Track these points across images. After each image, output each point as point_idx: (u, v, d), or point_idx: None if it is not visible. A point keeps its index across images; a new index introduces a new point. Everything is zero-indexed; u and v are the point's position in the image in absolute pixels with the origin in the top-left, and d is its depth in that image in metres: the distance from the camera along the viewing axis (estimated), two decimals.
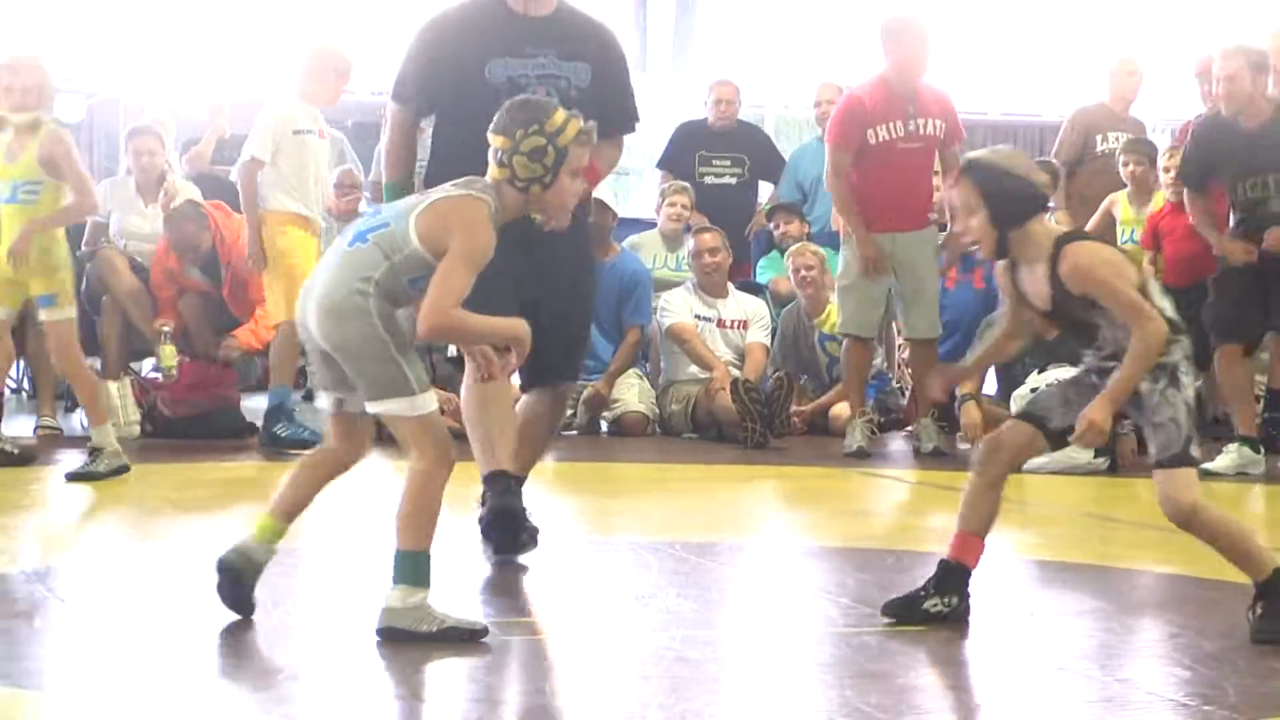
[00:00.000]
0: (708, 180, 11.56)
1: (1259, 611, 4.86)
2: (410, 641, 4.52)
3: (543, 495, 8.26)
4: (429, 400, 4.61)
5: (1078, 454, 8.61)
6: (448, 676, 4.40)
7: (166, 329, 9.61)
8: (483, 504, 6.01)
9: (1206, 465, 8.54)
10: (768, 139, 12.40)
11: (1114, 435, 8.79)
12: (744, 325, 10.34)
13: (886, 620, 4.91)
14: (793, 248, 10.53)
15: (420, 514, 4.62)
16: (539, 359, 5.40)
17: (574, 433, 10.05)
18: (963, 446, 9.41)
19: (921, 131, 9.20)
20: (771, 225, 11.42)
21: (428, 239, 4.60)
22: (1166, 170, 9.86)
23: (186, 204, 9.97)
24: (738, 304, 10.40)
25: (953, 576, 4.97)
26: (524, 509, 5.95)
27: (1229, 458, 8.66)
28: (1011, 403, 8.89)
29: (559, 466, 8.94)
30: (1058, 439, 4.96)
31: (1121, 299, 4.75)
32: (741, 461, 9.06)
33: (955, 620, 4.93)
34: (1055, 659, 4.71)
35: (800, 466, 8.94)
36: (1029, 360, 9.00)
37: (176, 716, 4.01)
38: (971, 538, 5.00)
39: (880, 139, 9.14)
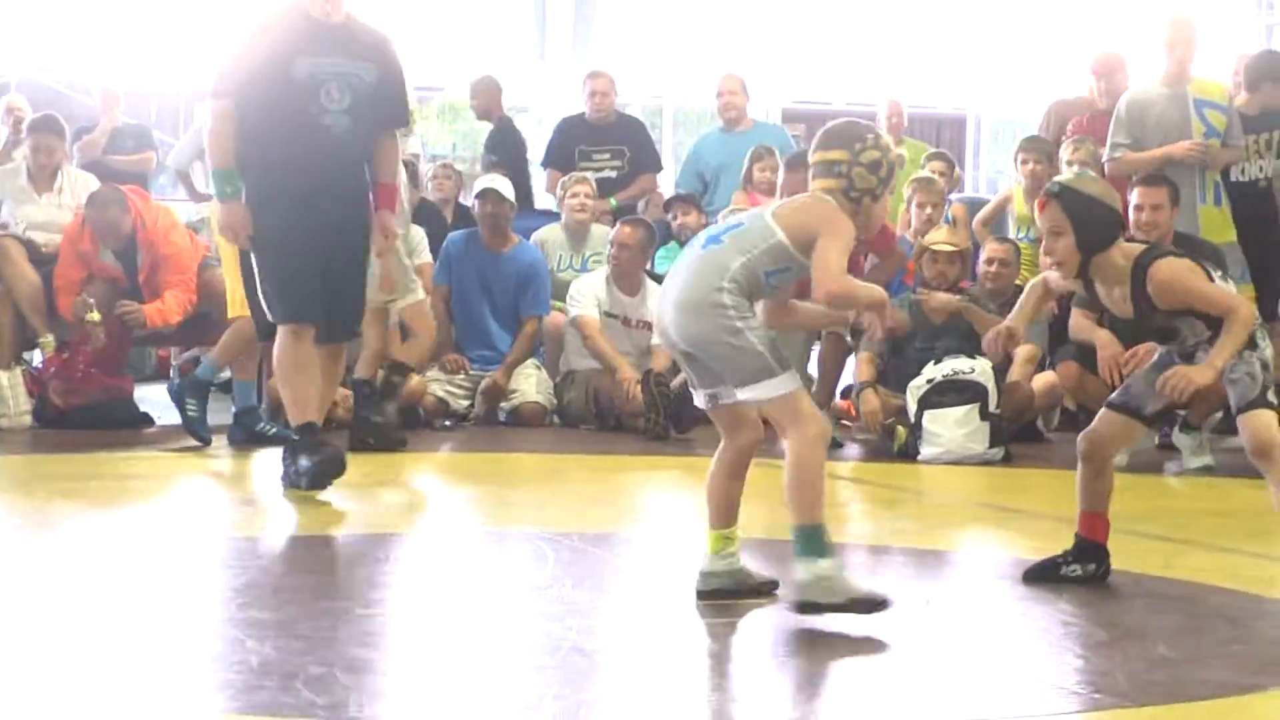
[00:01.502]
0: (587, 173, 11.50)
1: None
2: (825, 612, 4.74)
3: (439, 486, 8.26)
4: (793, 378, 4.82)
5: (974, 444, 8.68)
6: (340, 666, 4.37)
7: (90, 300, 9.44)
8: (293, 451, 7.12)
9: None
10: (646, 130, 12.35)
11: (1005, 425, 8.87)
12: (649, 326, 10.24)
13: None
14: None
15: (807, 487, 4.81)
16: (331, 318, 7.11)
17: (471, 423, 10.02)
18: (861, 436, 9.46)
19: None
20: (670, 216, 11.42)
21: (794, 232, 4.88)
22: (1070, 164, 9.96)
23: (109, 188, 9.83)
24: (647, 304, 10.26)
25: (1089, 550, 5.47)
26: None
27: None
28: (908, 393, 8.94)
29: (455, 457, 8.93)
30: (1152, 422, 5.68)
31: (1210, 299, 5.22)
32: (642, 452, 9.06)
33: (1096, 581, 5.44)
34: (948, 647, 4.73)
35: (701, 458, 8.93)
36: (920, 349, 9.06)
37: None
38: (1095, 516, 5.47)
39: None
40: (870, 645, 4.67)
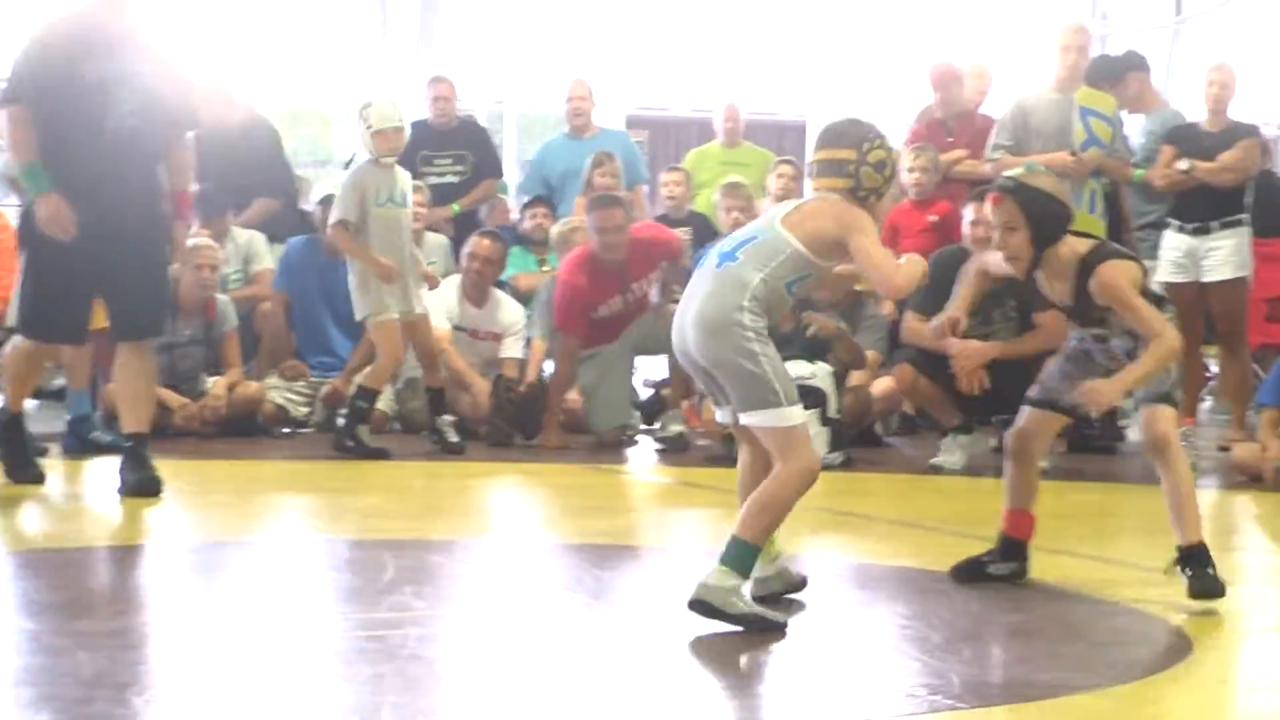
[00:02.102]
0: (431, 179, 11.43)
1: (1189, 573, 5.31)
2: (716, 618, 4.77)
3: (278, 494, 8.18)
4: (797, 412, 4.85)
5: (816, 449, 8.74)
6: (175, 678, 4.32)
7: None
8: (125, 460, 7.37)
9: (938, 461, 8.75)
10: (488, 136, 12.31)
11: (845, 429, 8.94)
12: (495, 338, 10.21)
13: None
14: (571, 223, 10.54)
15: (769, 512, 4.85)
16: (121, 314, 7.37)
17: (311, 430, 9.94)
18: (702, 443, 9.48)
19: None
20: (522, 219, 11.39)
21: (810, 239, 4.93)
22: (910, 170, 10.08)
23: None
24: (494, 316, 10.24)
25: (1012, 547, 5.62)
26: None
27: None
28: None
29: (295, 465, 8.86)
30: (1072, 412, 5.59)
31: (1140, 316, 5.28)
32: (486, 459, 9.03)
33: (1016, 579, 5.59)
34: (786, 651, 4.76)
35: (547, 465, 8.94)
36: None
37: None
38: (1022, 513, 5.62)
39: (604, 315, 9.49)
40: (710, 648, 4.68)
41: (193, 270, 9.49)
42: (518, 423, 9.50)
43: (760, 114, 17.14)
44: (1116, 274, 5.29)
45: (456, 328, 10.09)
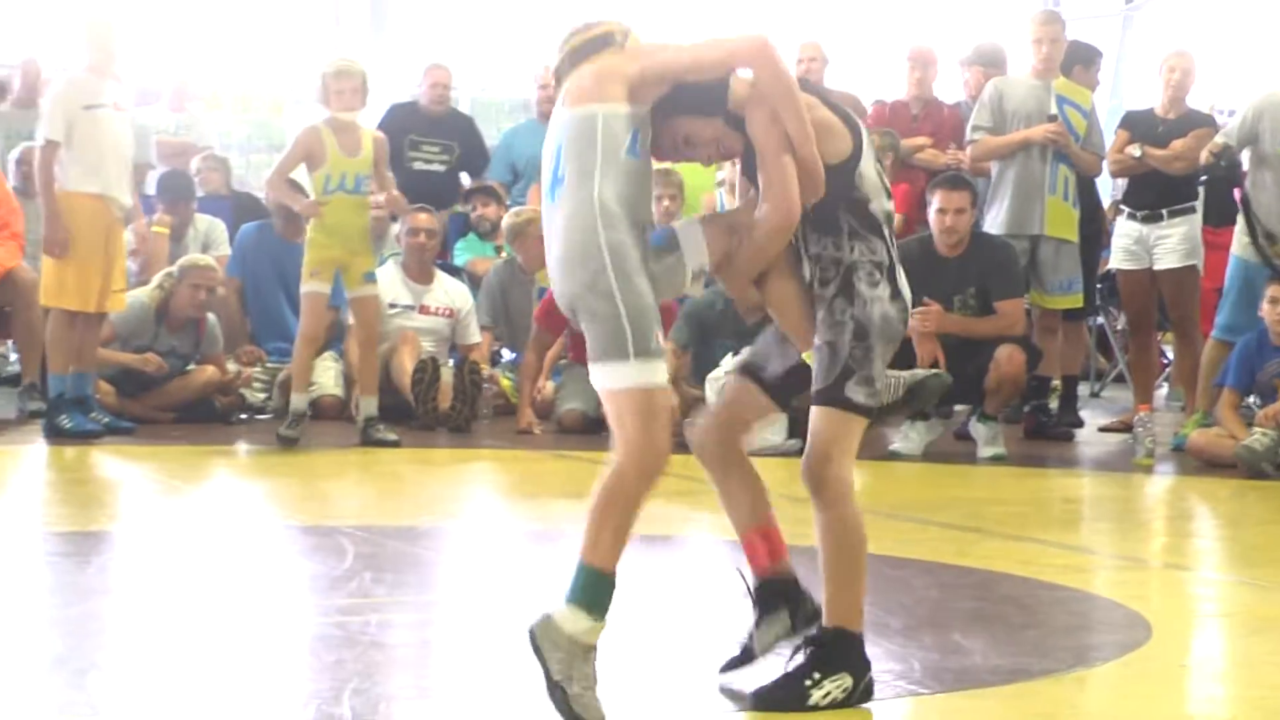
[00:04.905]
0: (416, 165, 11.36)
1: (801, 659, 4.06)
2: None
3: (235, 480, 8.15)
4: (650, 368, 3.92)
5: (772, 435, 8.73)
6: (137, 663, 4.31)
7: None
8: None
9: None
10: (476, 129, 12.21)
11: (794, 419, 8.94)
12: (450, 313, 10.17)
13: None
14: (524, 212, 10.47)
15: (608, 522, 3.89)
16: None
17: (269, 416, 9.90)
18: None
19: None
20: (470, 207, 11.36)
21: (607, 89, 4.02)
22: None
23: None
24: (444, 291, 10.24)
25: (769, 590, 4.29)
26: None
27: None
28: (706, 385, 8.97)
29: (253, 452, 8.82)
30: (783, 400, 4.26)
31: (767, 165, 3.95)
32: (445, 445, 9.00)
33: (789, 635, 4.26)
34: (737, 638, 4.75)
35: (506, 450, 8.92)
36: (728, 345, 9.06)
37: None
38: (757, 532, 4.32)
39: None
40: (660, 641, 4.68)
41: (189, 288, 9.36)
42: (471, 405, 9.47)
43: None
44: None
45: (403, 306, 10.04)
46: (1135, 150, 9.59)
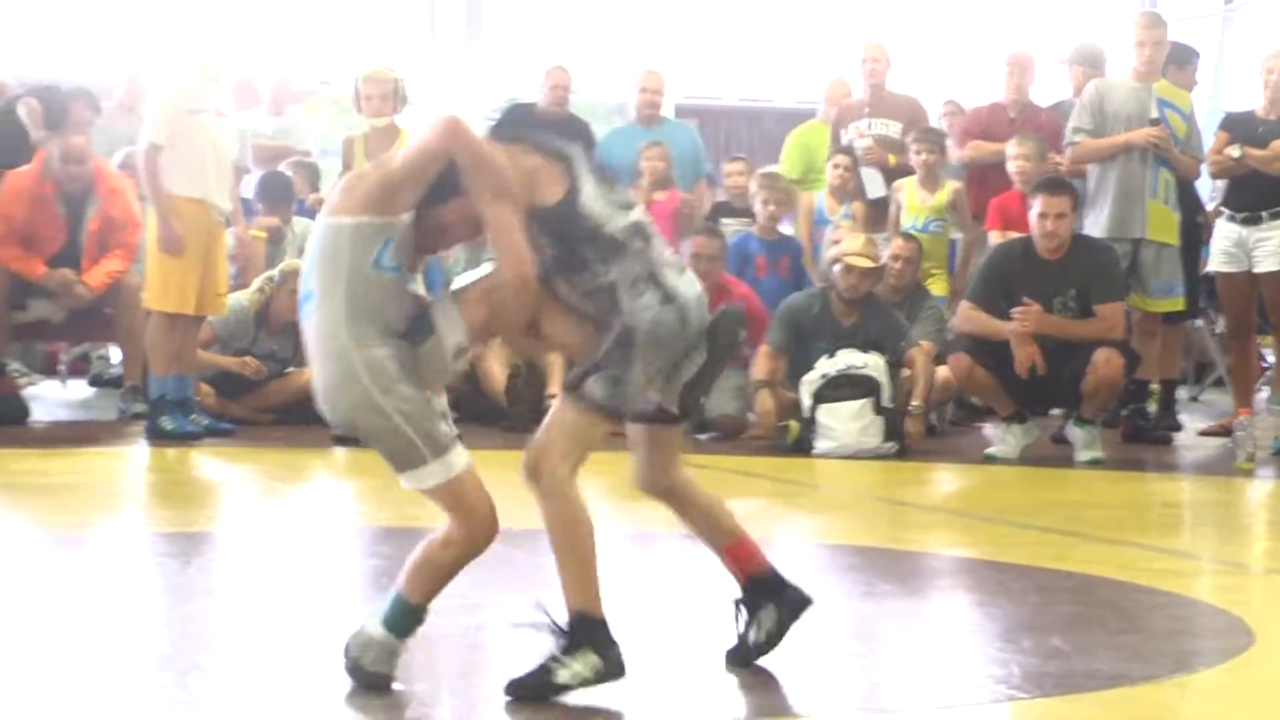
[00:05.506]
0: None
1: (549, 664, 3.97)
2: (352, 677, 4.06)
3: (334, 482, 8.20)
4: (445, 466, 4.05)
5: (868, 438, 8.72)
6: (239, 662, 4.34)
7: None
8: None
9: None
10: (592, 135, 12.09)
11: (902, 417, 8.91)
12: None
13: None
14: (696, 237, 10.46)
15: (424, 574, 4.08)
16: None
17: None
18: (754, 436, 9.41)
19: None
20: None
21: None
22: (1014, 159, 9.99)
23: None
24: None
25: (758, 586, 4.36)
26: None
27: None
28: (800, 387, 8.96)
29: (350, 453, 8.86)
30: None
31: (484, 209, 3.98)
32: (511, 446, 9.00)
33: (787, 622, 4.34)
34: (844, 642, 4.75)
35: (599, 451, 8.90)
36: (823, 348, 9.04)
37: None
38: (735, 546, 4.36)
39: None
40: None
41: (289, 292, 9.42)
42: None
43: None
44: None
45: None
46: (1235, 151, 9.51)
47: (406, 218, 3.98)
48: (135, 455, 8.47)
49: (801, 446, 8.85)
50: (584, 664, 3.95)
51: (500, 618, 4.91)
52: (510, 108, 4.16)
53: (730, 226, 10.83)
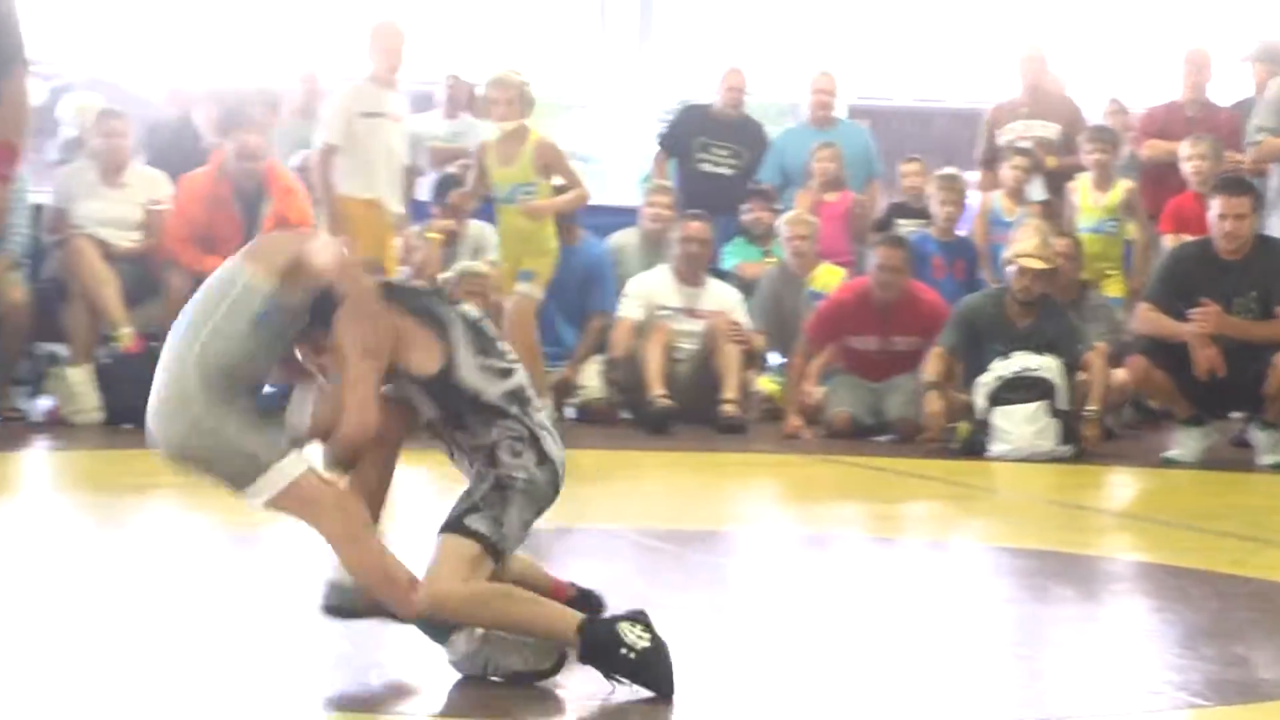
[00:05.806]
0: (704, 167, 11.45)
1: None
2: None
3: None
4: (289, 465, 4.05)
5: (1043, 441, 8.64)
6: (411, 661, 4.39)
7: None
8: None
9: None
10: (765, 136, 12.13)
11: (1078, 420, 8.82)
12: (721, 317, 10.19)
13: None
14: (789, 217, 10.52)
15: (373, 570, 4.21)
16: None
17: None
18: (922, 438, 9.33)
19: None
20: (745, 208, 11.27)
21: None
22: (1189, 159, 9.88)
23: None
24: (714, 295, 10.25)
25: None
26: None
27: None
28: (975, 389, 8.90)
29: None
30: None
31: (347, 354, 4.02)
32: (706, 449, 9.04)
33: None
34: (1019, 646, 4.72)
35: (768, 454, 8.93)
36: (997, 350, 8.94)
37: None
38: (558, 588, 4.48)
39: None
40: (947, 642, 4.66)
41: (463, 294, 9.46)
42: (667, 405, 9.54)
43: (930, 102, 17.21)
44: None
45: (671, 309, 10.10)
46: None
47: (297, 300, 3.99)
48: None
49: (972, 448, 8.78)
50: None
51: (678, 621, 4.92)
52: None
53: (906, 227, 10.80)
